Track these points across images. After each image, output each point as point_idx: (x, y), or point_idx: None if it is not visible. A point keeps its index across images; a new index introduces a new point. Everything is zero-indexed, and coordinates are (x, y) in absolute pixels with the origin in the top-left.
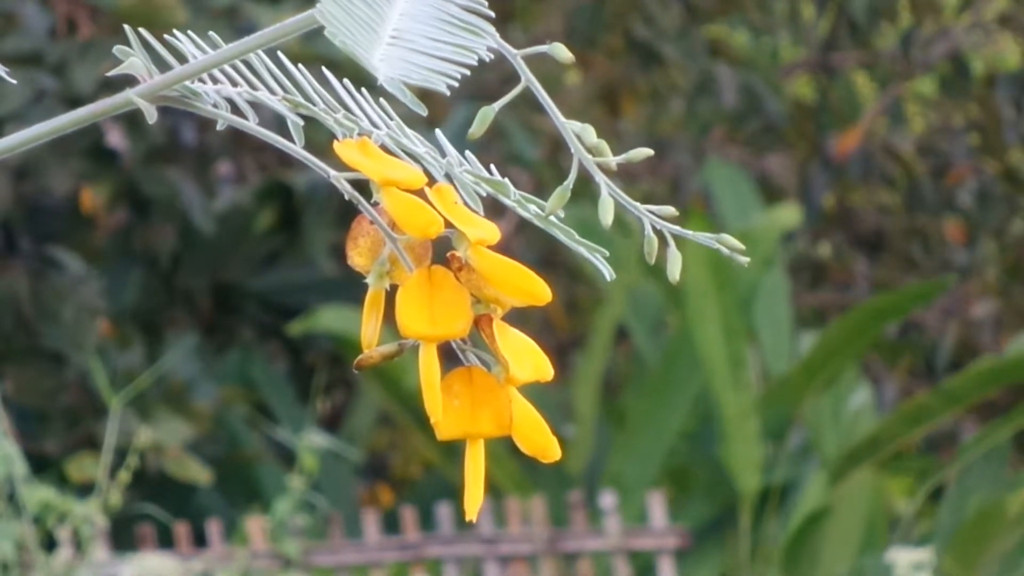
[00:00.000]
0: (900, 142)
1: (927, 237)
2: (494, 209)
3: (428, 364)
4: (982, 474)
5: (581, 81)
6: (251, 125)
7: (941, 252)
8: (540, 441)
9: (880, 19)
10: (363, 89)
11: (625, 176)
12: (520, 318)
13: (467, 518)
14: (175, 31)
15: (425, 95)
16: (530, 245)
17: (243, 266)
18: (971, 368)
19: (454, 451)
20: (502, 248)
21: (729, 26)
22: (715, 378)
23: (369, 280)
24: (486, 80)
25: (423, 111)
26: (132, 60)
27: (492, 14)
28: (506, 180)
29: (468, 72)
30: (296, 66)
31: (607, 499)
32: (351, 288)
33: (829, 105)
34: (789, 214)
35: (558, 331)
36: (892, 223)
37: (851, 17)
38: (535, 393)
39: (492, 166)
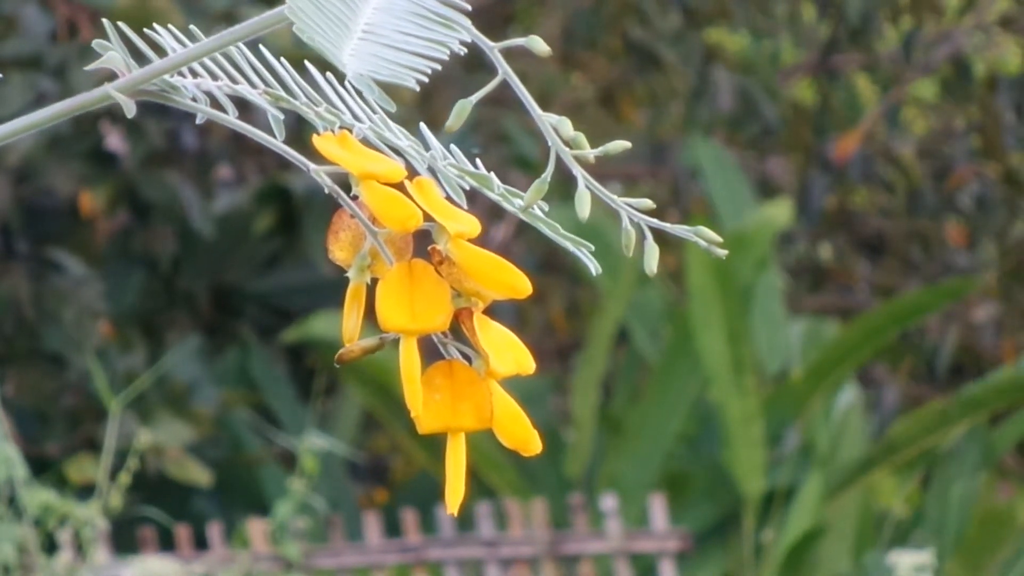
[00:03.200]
0: (901, 145)
1: (928, 240)
2: (494, 211)
3: (408, 358)
4: (963, 460)
5: (580, 83)
6: (230, 119)
7: (942, 255)
8: (520, 434)
9: (875, 21)
10: (346, 82)
11: (625, 179)
12: (520, 322)
13: (448, 511)
14: (155, 25)
15: (424, 98)
16: (530, 249)
17: (243, 268)
18: (993, 377)
19: (442, 453)
20: (504, 251)
21: (730, 29)
22: (718, 382)
23: (350, 274)
24: (487, 83)
25: (391, 107)
26: (111, 54)
27: (468, 7)
28: (491, 174)
29: (439, 67)
30: (279, 60)
31: (608, 502)
32: None
33: (830, 108)
34: (781, 211)
35: (558, 334)
36: (893, 226)
37: (847, 19)
38: (535, 396)
39: (479, 161)
